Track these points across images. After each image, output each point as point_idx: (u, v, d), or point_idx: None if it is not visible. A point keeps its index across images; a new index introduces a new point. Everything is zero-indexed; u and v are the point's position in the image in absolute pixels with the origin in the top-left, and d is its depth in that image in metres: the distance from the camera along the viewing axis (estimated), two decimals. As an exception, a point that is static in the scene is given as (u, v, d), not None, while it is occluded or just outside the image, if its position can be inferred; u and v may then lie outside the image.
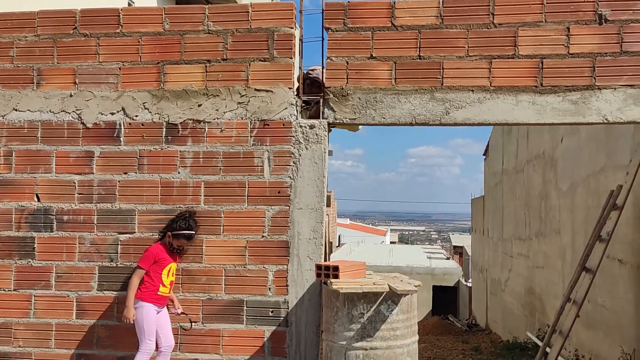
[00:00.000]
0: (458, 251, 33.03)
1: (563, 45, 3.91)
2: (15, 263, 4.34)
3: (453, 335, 14.44)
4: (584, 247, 6.48)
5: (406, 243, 51.42)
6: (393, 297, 3.35)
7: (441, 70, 4.03)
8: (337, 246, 25.32)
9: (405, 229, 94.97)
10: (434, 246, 39.19)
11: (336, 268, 3.52)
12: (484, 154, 16.32)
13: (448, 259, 26.14)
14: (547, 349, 6.47)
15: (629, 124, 3.82)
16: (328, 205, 4.57)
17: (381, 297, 3.33)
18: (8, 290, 4.34)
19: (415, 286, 3.42)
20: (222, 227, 4.18)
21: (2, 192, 4.39)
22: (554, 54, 3.92)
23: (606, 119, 3.77)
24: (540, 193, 10.10)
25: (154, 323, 3.94)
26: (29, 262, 4.33)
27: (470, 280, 19.91)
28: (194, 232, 4.09)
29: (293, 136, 4.14)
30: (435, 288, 22.04)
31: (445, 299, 21.83)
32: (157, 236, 4.18)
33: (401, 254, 26.46)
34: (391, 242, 41.43)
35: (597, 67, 3.87)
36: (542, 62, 3.93)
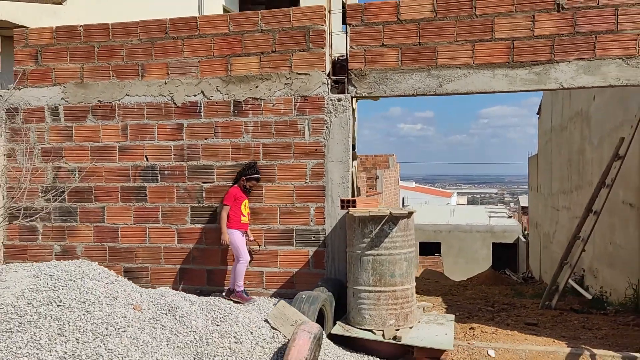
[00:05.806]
0: (526, 212, 33.00)
1: (529, 29, 4.98)
2: (134, 205, 6.11)
3: (505, 286, 15.27)
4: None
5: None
6: (393, 219, 4.71)
7: (436, 53, 5.23)
8: (400, 208, 26.52)
9: (477, 191, 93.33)
10: (498, 206, 39.19)
11: (354, 201, 4.93)
12: (537, 113, 16.72)
13: (510, 217, 26.55)
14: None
15: (579, 89, 4.85)
16: (354, 159, 5.94)
17: (384, 220, 4.70)
18: (130, 224, 6.13)
19: (409, 212, 4.76)
20: (276, 176, 5.69)
21: (122, 154, 6.14)
22: (523, 36, 5.01)
23: (562, 85, 4.83)
24: (578, 148, 10.72)
25: (242, 242, 5.50)
26: (143, 204, 6.08)
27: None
28: (260, 175, 5.62)
29: (325, 107, 5.53)
30: (495, 245, 22.77)
31: (505, 255, 22.50)
32: (229, 184, 5.76)
33: (463, 214, 27.26)
34: (458, 205, 41.86)
35: (555, 45, 4.91)
36: (513, 43, 5.02)
